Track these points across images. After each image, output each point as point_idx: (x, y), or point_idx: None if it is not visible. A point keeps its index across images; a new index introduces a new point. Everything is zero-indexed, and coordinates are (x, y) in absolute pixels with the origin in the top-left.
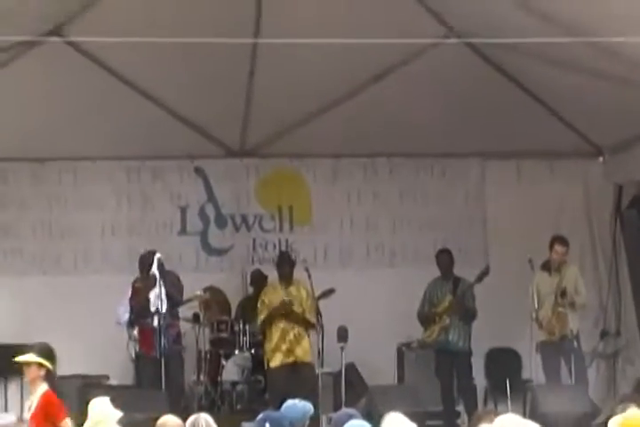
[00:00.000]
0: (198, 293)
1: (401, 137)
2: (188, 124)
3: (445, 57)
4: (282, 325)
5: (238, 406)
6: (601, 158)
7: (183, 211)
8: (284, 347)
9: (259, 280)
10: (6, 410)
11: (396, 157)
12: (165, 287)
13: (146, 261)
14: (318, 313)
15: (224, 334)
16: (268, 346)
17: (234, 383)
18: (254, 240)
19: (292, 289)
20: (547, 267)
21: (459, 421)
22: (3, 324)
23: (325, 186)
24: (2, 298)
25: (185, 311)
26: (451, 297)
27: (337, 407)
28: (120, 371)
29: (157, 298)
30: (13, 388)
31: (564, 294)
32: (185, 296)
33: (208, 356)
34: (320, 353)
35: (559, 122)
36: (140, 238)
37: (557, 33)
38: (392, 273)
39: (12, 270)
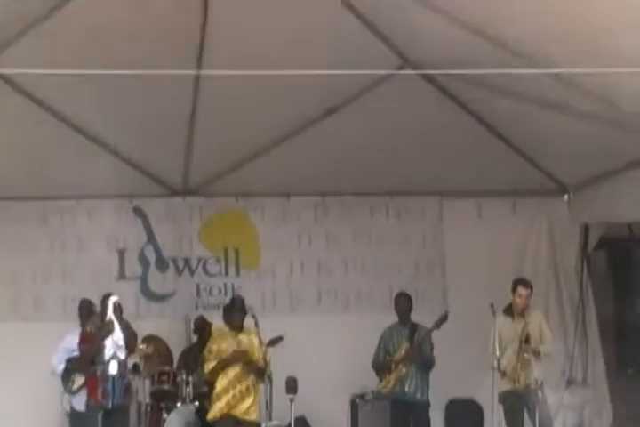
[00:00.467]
0: (141, 346)
1: (354, 174)
2: (126, 161)
3: (401, 89)
4: (230, 376)
5: None
6: (566, 196)
7: (121, 254)
8: (225, 399)
9: (202, 328)
10: None
11: (349, 196)
12: (123, 333)
13: (88, 307)
14: (266, 362)
15: (166, 386)
16: (212, 398)
17: None
18: (198, 285)
19: (243, 337)
20: (509, 312)
21: None
22: None
23: (274, 227)
24: None
25: None
26: (407, 345)
27: None
28: None
29: (113, 345)
30: None
31: (527, 340)
32: None
33: (148, 409)
34: (268, 405)
35: (521, 158)
36: (74, 284)
37: (519, 64)
38: (345, 319)
39: None
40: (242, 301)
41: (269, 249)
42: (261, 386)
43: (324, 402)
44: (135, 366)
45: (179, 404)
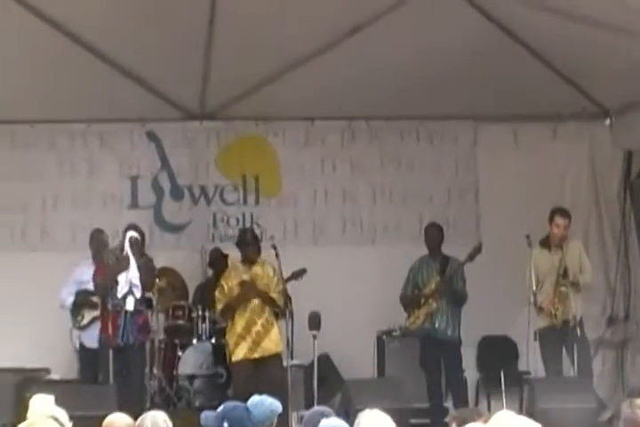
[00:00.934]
0: None
1: (382, 97)
2: (140, 83)
3: (432, 6)
4: (247, 314)
5: (196, 404)
6: (608, 121)
7: (134, 181)
8: (249, 339)
9: (218, 260)
10: None
11: (377, 120)
12: (140, 272)
13: (100, 238)
14: (287, 297)
15: (180, 322)
16: (231, 336)
17: (191, 377)
18: (215, 215)
19: (257, 268)
20: (546, 243)
21: (447, 418)
22: None
23: (296, 152)
24: None
25: None
26: (438, 278)
27: (308, 405)
28: (62, 364)
29: (128, 282)
30: None
31: (565, 273)
32: None
33: (162, 346)
34: (289, 343)
35: (561, 79)
36: (84, 213)
37: None
38: (372, 251)
39: None
40: (252, 232)
41: (291, 176)
42: (282, 322)
43: (348, 339)
44: (148, 301)
45: (194, 341)
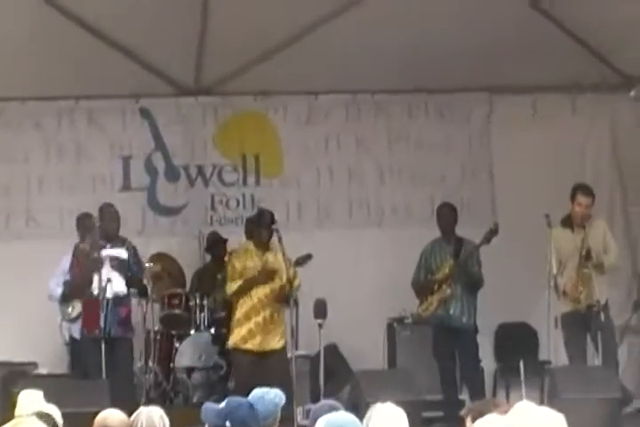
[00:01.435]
0: (147, 265)
1: (389, 69)
2: (132, 57)
3: None
4: (254, 301)
5: (195, 398)
6: (632, 92)
7: (126, 162)
8: (247, 325)
9: (216, 245)
10: None
11: (384, 94)
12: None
13: (89, 222)
14: (292, 284)
15: (177, 311)
16: (232, 320)
17: (189, 370)
18: (213, 196)
19: (270, 256)
20: (568, 223)
21: (462, 412)
22: None
23: (298, 129)
24: None
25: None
26: (452, 262)
27: (315, 398)
28: (51, 357)
29: (109, 272)
30: None
31: (589, 254)
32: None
33: (158, 337)
34: (294, 333)
35: (582, 48)
36: (72, 196)
37: None
38: (380, 234)
39: None
40: (272, 214)
41: (293, 154)
42: (286, 311)
43: (357, 328)
44: (142, 289)
45: (192, 331)
